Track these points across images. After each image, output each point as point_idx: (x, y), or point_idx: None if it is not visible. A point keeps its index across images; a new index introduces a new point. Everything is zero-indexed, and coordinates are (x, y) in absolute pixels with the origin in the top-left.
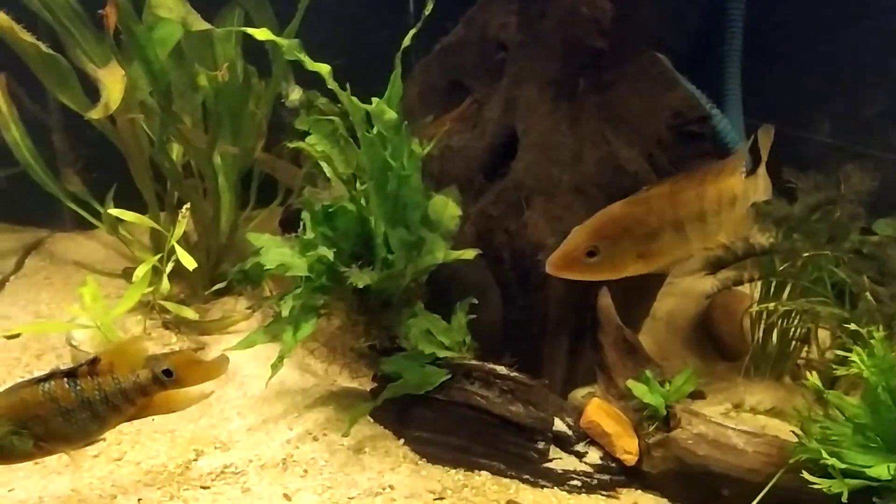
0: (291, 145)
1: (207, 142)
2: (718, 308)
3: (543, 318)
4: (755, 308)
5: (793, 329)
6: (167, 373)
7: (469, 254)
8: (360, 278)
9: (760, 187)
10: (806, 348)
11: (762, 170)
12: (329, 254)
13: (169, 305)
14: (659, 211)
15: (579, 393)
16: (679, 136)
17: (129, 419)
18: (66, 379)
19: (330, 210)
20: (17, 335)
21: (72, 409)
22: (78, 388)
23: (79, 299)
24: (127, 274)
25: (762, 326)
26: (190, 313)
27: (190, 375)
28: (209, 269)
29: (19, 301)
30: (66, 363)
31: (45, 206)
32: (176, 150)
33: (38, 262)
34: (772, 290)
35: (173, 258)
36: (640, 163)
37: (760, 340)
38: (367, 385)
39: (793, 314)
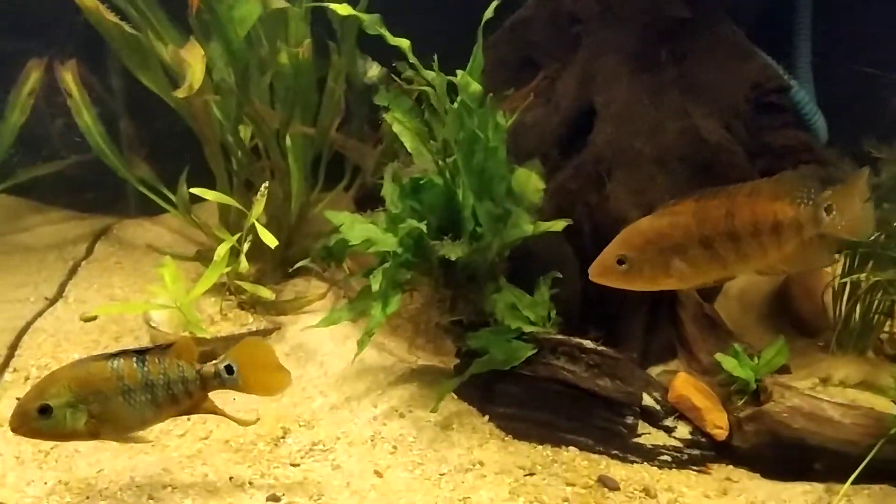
0: (386, 116)
1: (282, 121)
2: (796, 284)
3: (623, 293)
4: (840, 281)
5: (877, 302)
6: (229, 369)
7: (559, 225)
8: (453, 250)
9: (839, 223)
10: (889, 322)
11: (851, 205)
12: (422, 226)
13: (245, 285)
14: (683, 226)
15: (654, 371)
16: (758, 107)
17: (179, 414)
18: (135, 358)
19: (421, 182)
20: (94, 318)
21: (134, 389)
22: (145, 369)
23: (157, 280)
24: (200, 256)
25: (844, 301)
26: (266, 293)
27: (253, 382)
28: (280, 251)
29: (93, 285)
30: (144, 345)
31: (110, 193)
32: (244, 132)
33: (107, 247)
34: (856, 262)
35: (249, 238)
36: (721, 133)
37: (843, 315)
38: (449, 362)
39: (876, 288)
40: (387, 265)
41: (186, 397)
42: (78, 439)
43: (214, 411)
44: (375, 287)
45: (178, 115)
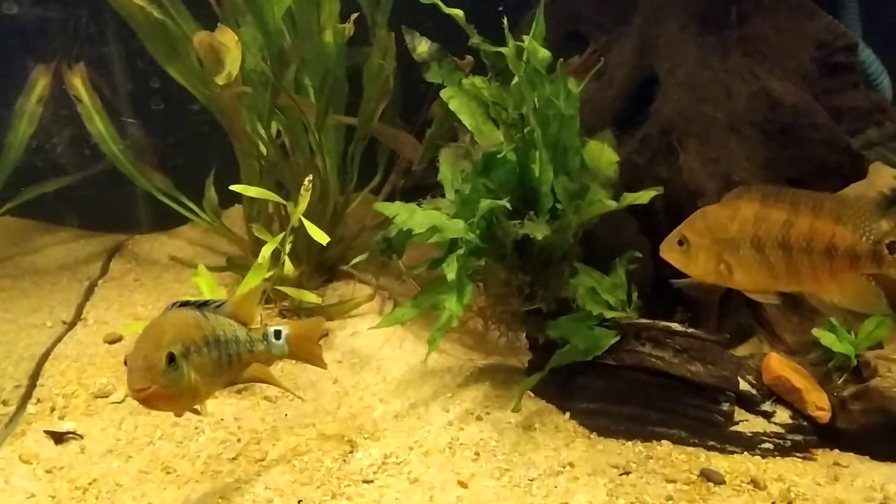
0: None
1: (318, 112)
2: None
3: None
4: None
5: None
6: (277, 334)
7: (646, 196)
8: (538, 229)
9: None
10: None
11: None
12: (505, 203)
13: (288, 290)
14: (741, 221)
15: None
16: (824, 67)
17: (231, 382)
18: (199, 309)
19: (498, 156)
20: (120, 338)
21: (210, 342)
22: (209, 322)
23: (184, 294)
24: (232, 264)
25: None
26: (312, 297)
27: (299, 351)
28: (317, 253)
29: (112, 305)
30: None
31: (120, 208)
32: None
33: (123, 264)
34: None
35: (290, 240)
36: (797, 95)
37: None
38: (517, 359)
39: None
40: (460, 251)
41: (238, 360)
42: (185, 404)
43: (266, 379)
44: (451, 276)
45: (188, 120)
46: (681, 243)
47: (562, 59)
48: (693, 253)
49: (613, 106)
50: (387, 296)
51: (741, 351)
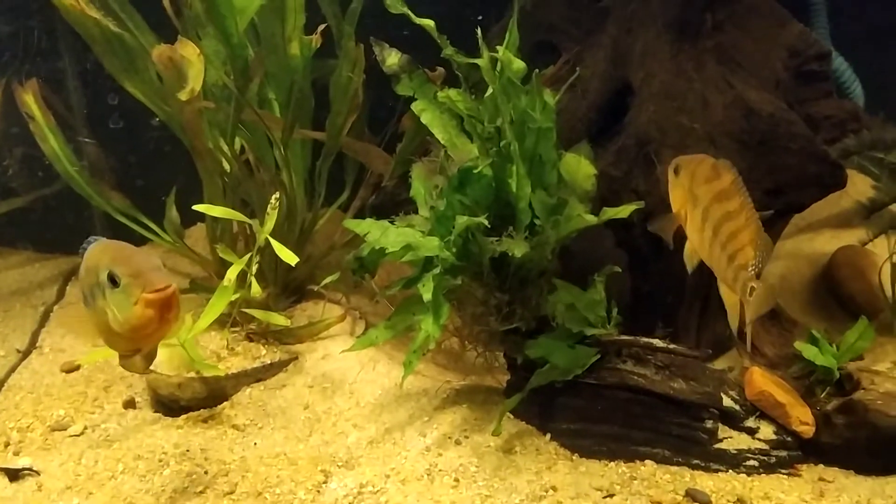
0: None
1: (285, 127)
2: (845, 266)
3: (680, 284)
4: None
5: None
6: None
7: (626, 210)
8: (517, 246)
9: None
10: None
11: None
12: (483, 219)
13: (255, 313)
14: (711, 185)
15: None
16: (798, 76)
17: None
18: None
19: (474, 171)
20: (78, 367)
21: None
22: None
23: None
24: (196, 286)
25: None
26: (281, 320)
27: None
28: (284, 273)
29: (69, 331)
30: (138, 391)
31: (73, 229)
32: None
33: (79, 289)
34: None
35: (257, 260)
36: (774, 104)
37: None
38: (498, 379)
39: None
40: (435, 270)
41: None
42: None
43: None
44: (427, 296)
45: (148, 136)
46: (676, 172)
47: (537, 70)
48: (677, 184)
49: (587, 117)
50: (358, 316)
51: (720, 364)
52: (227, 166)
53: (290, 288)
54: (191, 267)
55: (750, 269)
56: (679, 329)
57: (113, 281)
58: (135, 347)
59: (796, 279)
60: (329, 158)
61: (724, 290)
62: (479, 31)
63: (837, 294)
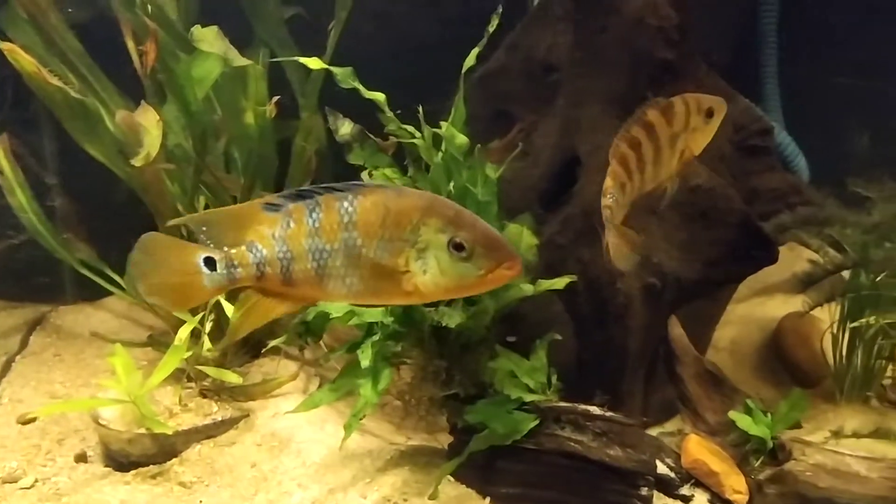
0: (373, 171)
1: (244, 189)
2: (790, 333)
3: (623, 352)
4: (843, 326)
5: (877, 348)
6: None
7: (561, 282)
8: (451, 317)
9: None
10: (892, 367)
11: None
12: None
13: (208, 370)
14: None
15: (653, 433)
16: (742, 150)
17: None
18: None
19: None
20: (34, 419)
21: None
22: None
23: (104, 371)
24: (153, 341)
25: (844, 348)
26: (234, 377)
27: None
28: None
29: (30, 382)
30: (91, 445)
31: (42, 279)
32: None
33: (44, 338)
34: (854, 306)
35: (211, 318)
36: (715, 178)
37: (844, 362)
38: (441, 441)
39: (877, 332)
40: (375, 337)
41: None
42: None
43: None
44: (365, 362)
45: (119, 189)
46: None
47: (479, 145)
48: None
49: (539, 186)
50: (313, 373)
51: (669, 427)
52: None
53: (249, 343)
54: (154, 319)
55: (608, 196)
56: (624, 395)
57: (457, 247)
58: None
59: (746, 344)
60: None
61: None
62: (420, 108)
63: (784, 360)
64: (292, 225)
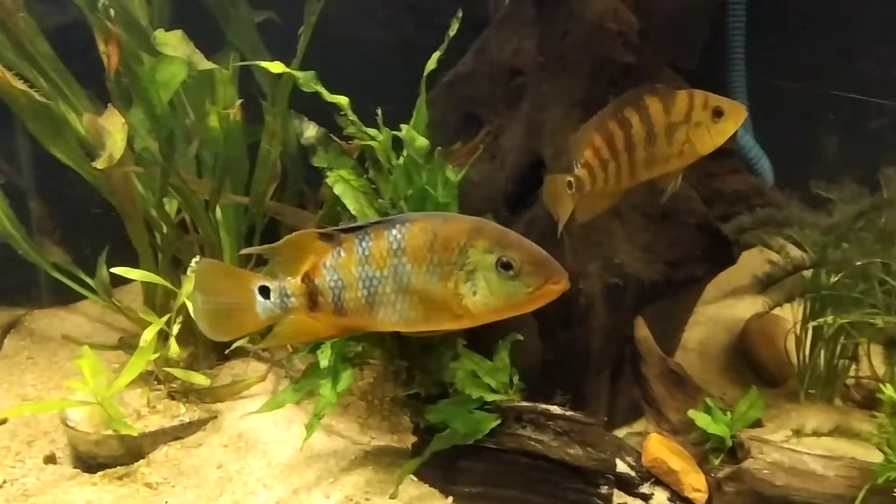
0: (329, 173)
1: (211, 191)
2: (755, 333)
3: (586, 353)
4: (808, 325)
5: (839, 347)
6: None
7: None
8: None
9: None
10: (854, 366)
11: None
12: None
13: (176, 372)
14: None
15: (619, 433)
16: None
17: None
18: None
19: None
20: (5, 421)
21: None
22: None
23: (75, 373)
24: (124, 343)
25: (807, 348)
26: (200, 379)
27: None
28: None
29: (1, 385)
30: (60, 447)
31: (17, 282)
32: (168, 206)
33: (17, 341)
34: (816, 306)
35: (179, 319)
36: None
37: (807, 362)
38: (406, 441)
39: (840, 332)
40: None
41: None
42: None
43: None
44: (324, 363)
45: (93, 191)
46: None
47: (439, 148)
48: None
49: (505, 188)
50: (283, 374)
51: (637, 427)
52: (163, 227)
53: (221, 345)
54: (127, 322)
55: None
56: (589, 395)
57: (505, 266)
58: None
59: (714, 345)
60: (262, 220)
61: None
62: (378, 112)
63: (750, 361)
64: (343, 254)
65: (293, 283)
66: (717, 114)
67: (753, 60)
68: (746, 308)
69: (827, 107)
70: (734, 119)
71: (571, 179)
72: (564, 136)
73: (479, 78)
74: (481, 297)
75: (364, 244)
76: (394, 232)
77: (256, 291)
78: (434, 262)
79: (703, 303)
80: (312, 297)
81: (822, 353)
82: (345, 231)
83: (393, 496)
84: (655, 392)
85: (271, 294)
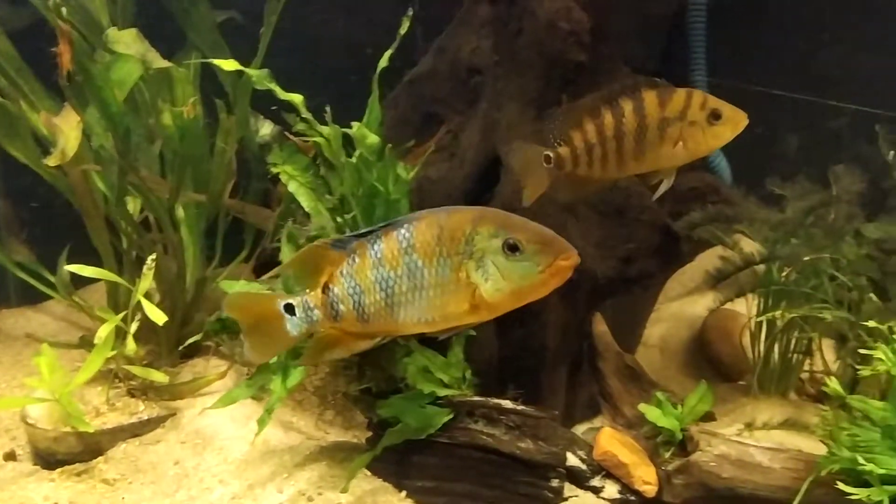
0: (275, 169)
1: (171, 190)
2: (713, 329)
3: (542, 349)
4: (757, 320)
5: (793, 342)
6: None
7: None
8: None
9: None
10: (808, 361)
11: None
12: None
13: (135, 370)
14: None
15: (580, 429)
16: None
17: None
18: None
19: None
20: None
21: None
22: None
23: (34, 371)
24: (85, 342)
25: (762, 343)
26: (159, 376)
27: None
28: (175, 330)
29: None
30: (21, 444)
31: None
32: (132, 204)
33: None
34: (770, 301)
35: (137, 317)
36: (629, 178)
37: (762, 357)
38: (361, 436)
39: (793, 326)
40: None
41: None
42: None
43: None
44: (274, 358)
45: (57, 190)
46: None
47: (389, 145)
48: None
49: (464, 186)
50: (245, 371)
51: (596, 423)
52: (124, 226)
53: (183, 343)
54: (92, 322)
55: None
56: (545, 391)
57: (512, 248)
58: (488, 318)
59: (674, 341)
60: (225, 218)
61: None
62: (327, 108)
63: (708, 356)
64: (357, 260)
65: (314, 295)
66: (715, 116)
67: (714, 62)
68: (708, 305)
69: (786, 107)
70: (733, 125)
71: (551, 154)
72: (518, 133)
73: (440, 77)
74: (494, 282)
75: (376, 247)
76: (402, 231)
77: (282, 310)
78: (443, 255)
79: (666, 300)
80: (334, 307)
81: (776, 347)
82: (357, 237)
83: (343, 490)
84: (611, 387)
85: (296, 310)
